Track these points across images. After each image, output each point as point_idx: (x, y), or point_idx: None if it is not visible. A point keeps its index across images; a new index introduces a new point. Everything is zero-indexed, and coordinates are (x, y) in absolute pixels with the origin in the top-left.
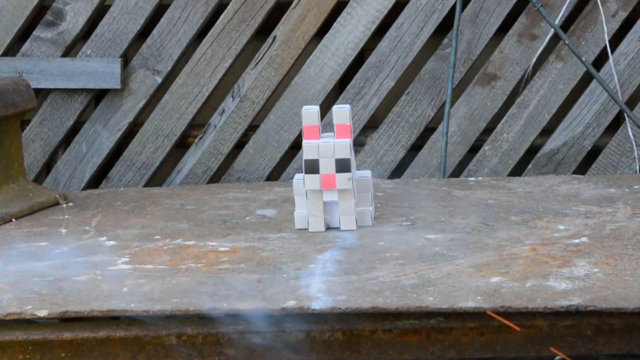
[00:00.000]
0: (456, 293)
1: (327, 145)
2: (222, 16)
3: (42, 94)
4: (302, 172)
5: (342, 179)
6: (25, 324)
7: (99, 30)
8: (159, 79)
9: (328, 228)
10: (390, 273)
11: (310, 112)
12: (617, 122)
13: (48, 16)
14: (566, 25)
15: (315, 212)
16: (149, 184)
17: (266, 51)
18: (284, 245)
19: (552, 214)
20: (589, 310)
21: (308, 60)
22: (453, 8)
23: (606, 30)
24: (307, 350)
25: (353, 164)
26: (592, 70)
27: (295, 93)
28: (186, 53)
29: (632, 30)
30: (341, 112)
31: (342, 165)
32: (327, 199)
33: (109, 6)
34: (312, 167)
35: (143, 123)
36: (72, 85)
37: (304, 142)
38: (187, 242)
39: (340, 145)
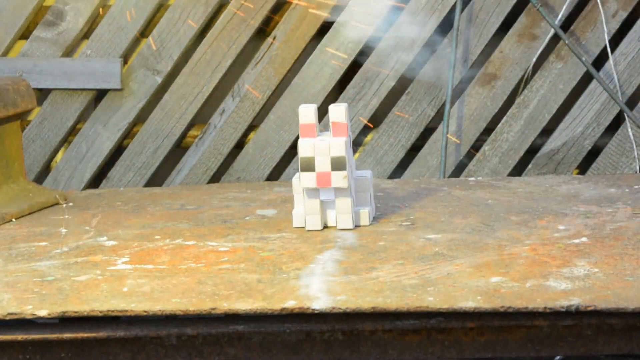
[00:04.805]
0: (456, 293)
1: (322, 143)
2: (222, 16)
3: (42, 94)
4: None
5: (337, 177)
6: (25, 324)
7: (99, 30)
8: (159, 79)
9: (326, 227)
10: (390, 273)
11: (307, 110)
12: (617, 122)
13: (48, 16)
14: (566, 25)
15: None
16: (149, 184)
17: (266, 51)
18: (284, 245)
19: (552, 214)
20: (589, 310)
21: (308, 60)
22: (453, 8)
23: (606, 30)
24: (307, 350)
25: (352, 163)
26: (592, 70)
27: (295, 93)
28: (186, 53)
29: (632, 30)
30: (338, 110)
31: (338, 164)
32: (324, 198)
33: (109, 6)
34: (308, 165)
35: (143, 123)
36: (72, 85)
37: (300, 140)
38: (187, 242)
39: (335, 143)
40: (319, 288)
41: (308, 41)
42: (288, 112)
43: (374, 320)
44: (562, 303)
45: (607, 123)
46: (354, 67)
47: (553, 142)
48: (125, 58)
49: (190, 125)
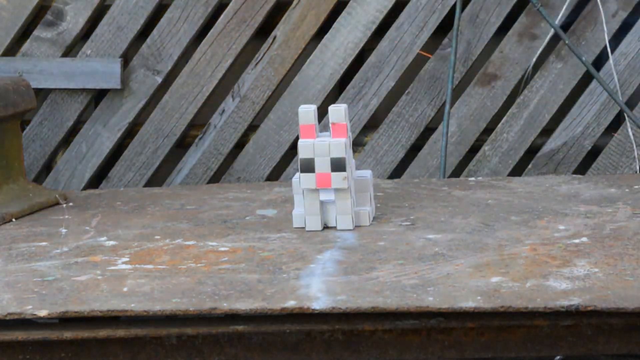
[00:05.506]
0: (456, 293)
1: (322, 144)
2: (222, 16)
3: (42, 94)
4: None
5: (337, 178)
6: (25, 324)
7: (99, 30)
8: (159, 79)
9: (326, 227)
10: (390, 273)
11: (307, 111)
12: (617, 122)
13: (48, 16)
14: (566, 25)
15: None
16: (149, 184)
17: (266, 51)
18: (284, 245)
19: (552, 214)
20: (589, 310)
21: (308, 60)
22: (453, 8)
23: (606, 30)
24: (307, 350)
25: (351, 163)
26: (592, 70)
27: (295, 93)
28: (186, 53)
29: (632, 30)
30: (337, 111)
31: (338, 165)
32: (324, 198)
33: (109, 6)
34: (308, 166)
35: (143, 123)
36: (72, 85)
37: (300, 141)
38: (187, 242)
39: (335, 144)
40: (319, 288)
41: (308, 41)
42: (288, 112)
43: (374, 320)
44: (562, 303)
45: (607, 123)
46: (354, 67)
47: (553, 142)
48: (125, 58)
49: (190, 125)
